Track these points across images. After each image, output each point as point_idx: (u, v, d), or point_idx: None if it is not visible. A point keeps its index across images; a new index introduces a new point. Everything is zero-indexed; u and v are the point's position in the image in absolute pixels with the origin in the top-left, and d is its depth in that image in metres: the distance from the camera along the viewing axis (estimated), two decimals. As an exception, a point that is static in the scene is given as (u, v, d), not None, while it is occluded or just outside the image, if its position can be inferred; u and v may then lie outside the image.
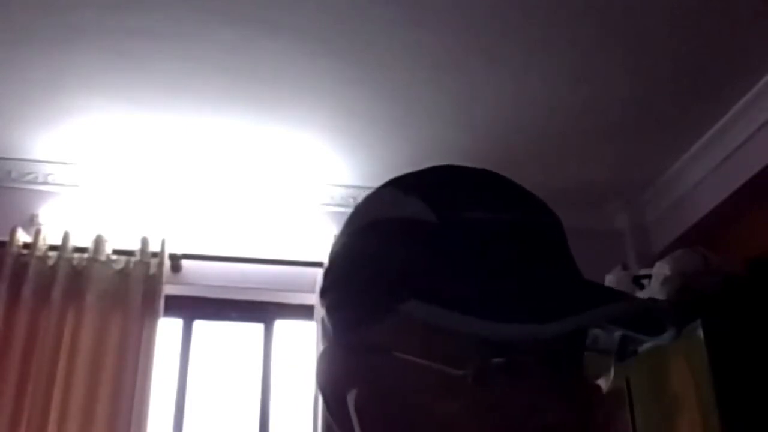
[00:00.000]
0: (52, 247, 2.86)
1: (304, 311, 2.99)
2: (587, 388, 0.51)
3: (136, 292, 2.84)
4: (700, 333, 2.06)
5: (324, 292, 0.59)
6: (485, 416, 0.49)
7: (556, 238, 0.56)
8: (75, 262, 2.87)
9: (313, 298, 2.88)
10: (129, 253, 2.90)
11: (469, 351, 0.49)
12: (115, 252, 2.90)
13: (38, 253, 2.83)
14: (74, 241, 2.88)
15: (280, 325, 3.12)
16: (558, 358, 0.50)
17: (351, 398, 0.54)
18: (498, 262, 0.51)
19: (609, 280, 2.57)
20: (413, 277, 0.52)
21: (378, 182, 0.61)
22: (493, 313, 0.47)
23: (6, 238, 2.82)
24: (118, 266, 2.89)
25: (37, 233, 2.86)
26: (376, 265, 0.54)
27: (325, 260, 0.65)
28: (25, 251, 2.83)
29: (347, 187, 3.08)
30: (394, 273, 0.53)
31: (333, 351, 0.56)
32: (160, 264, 2.90)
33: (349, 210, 0.61)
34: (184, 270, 2.98)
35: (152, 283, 2.87)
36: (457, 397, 0.49)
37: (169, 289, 2.93)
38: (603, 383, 0.54)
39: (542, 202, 0.58)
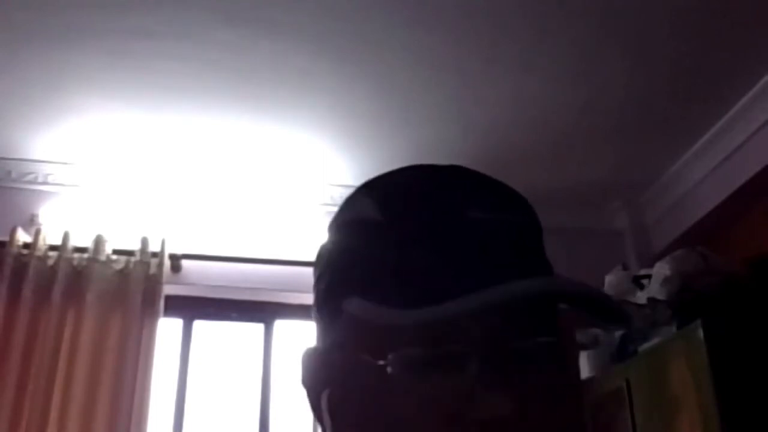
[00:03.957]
0: (52, 247, 2.86)
1: (304, 311, 2.99)
2: (533, 377, 0.50)
3: (136, 292, 2.85)
4: (700, 333, 2.05)
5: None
6: (426, 410, 0.49)
7: (516, 237, 0.54)
8: (75, 262, 2.87)
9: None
10: (129, 253, 2.90)
11: (399, 343, 0.49)
12: (115, 252, 2.90)
13: (38, 253, 2.83)
14: (74, 241, 2.88)
15: (280, 325, 3.12)
16: (498, 348, 0.49)
17: (324, 399, 0.55)
18: (407, 261, 0.51)
19: (609, 280, 2.57)
20: (358, 275, 0.53)
21: (378, 182, 0.61)
22: (404, 303, 0.48)
23: (6, 238, 2.82)
24: (118, 266, 2.89)
25: (37, 233, 2.86)
26: (333, 265, 0.56)
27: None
28: (25, 251, 2.83)
29: (347, 187, 3.08)
30: (344, 271, 0.55)
31: (310, 352, 0.58)
32: (160, 264, 2.90)
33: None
34: (184, 270, 2.99)
35: (152, 283, 2.87)
36: (396, 392, 0.49)
37: (169, 289, 2.93)
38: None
39: (517, 199, 0.57)
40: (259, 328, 3.12)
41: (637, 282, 2.48)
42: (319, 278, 0.58)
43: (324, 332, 0.57)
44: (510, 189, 0.58)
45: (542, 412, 0.50)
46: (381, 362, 0.50)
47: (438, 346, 0.49)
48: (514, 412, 0.47)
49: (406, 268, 0.51)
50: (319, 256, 0.59)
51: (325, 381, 0.55)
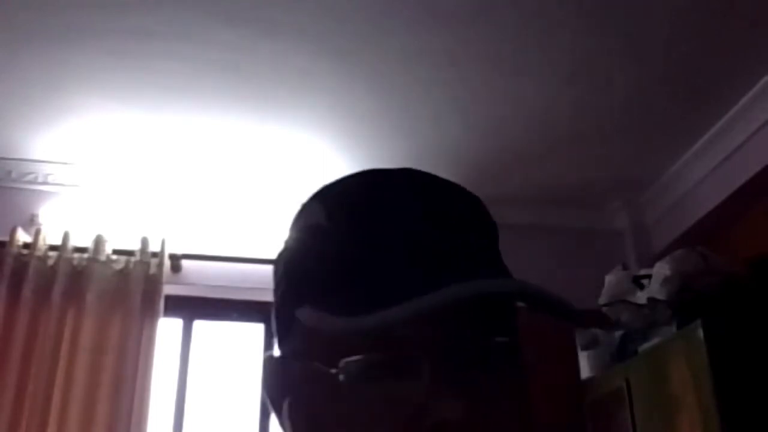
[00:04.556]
0: (52, 247, 2.86)
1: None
2: (487, 379, 0.49)
3: (136, 292, 2.85)
4: (700, 333, 2.06)
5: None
6: (378, 417, 0.48)
7: (466, 238, 0.53)
8: (75, 262, 2.87)
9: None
10: (129, 253, 2.90)
11: (349, 350, 0.48)
12: (115, 252, 2.90)
13: (38, 253, 2.83)
14: (74, 241, 2.88)
15: (280, 325, 3.12)
16: (455, 352, 0.48)
17: (285, 407, 0.55)
18: (355, 266, 0.51)
19: (609, 280, 2.57)
20: (309, 282, 0.53)
21: (377, 182, 0.61)
22: (354, 309, 0.47)
23: (6, 238, 2.82)
24: (118, 266, 2.89)
25: (37, 233, 2.86)
26: (287, 272, 0.56)
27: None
28: (25, 251, 2.83)
29: (347, 187, 3.08)
30: (297, 277, 0.55)
31: (272, 360, 0.57)
32: (160, 264, 2.90)
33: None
34: (184, 270, 2.99)
35: (152, 283, 2.87)
36: (349, 400, 0.49)
37: (169, 289, 2.93)
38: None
39: (469, 198, 0.56)
40: (259, 328, 3.12)
41: (637, 282, 2.48)
42: (277, 285, 0.58)
43: (283, 339, 0.56)
44: (461, 189, 0.57)
45: (496, 413, 0.49)
46: (333, 370, 0.49)
47: (389, 352, 0.48)
48: (467, 414, 0.47)
49: (355, 273, 0.50)
50: (276, 263, 0.59)
51: (287, 389, 0.55)
